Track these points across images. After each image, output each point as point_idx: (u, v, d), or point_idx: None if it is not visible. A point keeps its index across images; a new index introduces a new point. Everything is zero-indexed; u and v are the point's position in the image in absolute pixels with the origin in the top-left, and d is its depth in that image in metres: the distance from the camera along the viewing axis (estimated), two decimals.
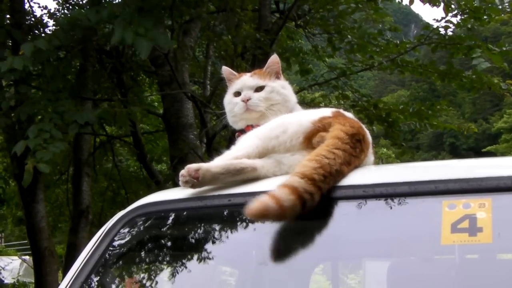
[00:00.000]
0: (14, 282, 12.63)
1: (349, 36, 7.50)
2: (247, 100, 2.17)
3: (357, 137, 1.79)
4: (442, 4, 6.86)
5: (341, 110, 2.00)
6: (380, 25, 7.11)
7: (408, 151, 8.60)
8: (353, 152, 1.74)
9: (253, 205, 1.55)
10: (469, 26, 6.92)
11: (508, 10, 7.57)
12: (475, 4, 6.66)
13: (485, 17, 6.88)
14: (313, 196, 1.58)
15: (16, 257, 15.54)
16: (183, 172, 1.78)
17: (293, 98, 2.24)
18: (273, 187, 1.75)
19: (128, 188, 10.15)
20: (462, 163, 1.80)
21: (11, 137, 6.77)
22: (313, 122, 1.87)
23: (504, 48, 6.50)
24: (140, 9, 4.96)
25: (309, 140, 1.85)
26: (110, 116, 5.73)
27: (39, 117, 5.37)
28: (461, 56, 7.09)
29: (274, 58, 2.26)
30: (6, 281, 11.84)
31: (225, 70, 2.33)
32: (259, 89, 2.20)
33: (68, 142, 7.34)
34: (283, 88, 2.22)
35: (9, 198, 11.22)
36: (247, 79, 2.24)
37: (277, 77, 2.25)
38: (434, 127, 7.97)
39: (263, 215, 1.56)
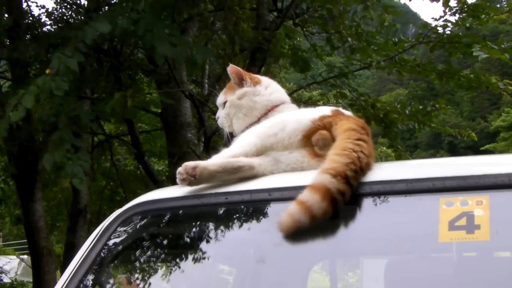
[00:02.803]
0: (12, 281, 12.61)
1: (349, 39, 7.47)
2: (217, 118, 2.30)
3: (367, 131, 1.79)
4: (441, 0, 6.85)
5: (340, 109, 2.00)
6: (377, 23, 7.09)
7: (405, 154, 8.52)
8: (371, 145, 1.73)
9: (285, 220, 1.53)
10: (468, 25, 6.90)
11: (506, 9, 7.56)
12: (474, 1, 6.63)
13: (483, 16, 6.87)
14: (345, 195, 1.55)
15: (14, 257, 15.49)
16: (180, 169, 1.78)
17: (264, 101, 2.21)
18: (270, 185, 1.75)
19: (126, 187, 10.13)
20: (460, 160, 1.79)
21: (11, 135, 6.75)
22: (312, 120, 1.86)
23: (503, 46, 6.49)
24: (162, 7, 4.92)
25: (308, 138, 1.85)
26: (120, 108, 5.66)
27: (50, 124, 5.28)
28: (459, 55, 7.08)
29: (230, 69, 2.26)
30: (4, 280, 11.81)
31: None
32: (224, 104, 2.27)
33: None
34: (240, 98, 2.21)
35: (7, 197, 11.20)
36: (219, 97, 2.33)
37: (241, 85, 2.24)
38: (433, 128, 7.96)
39: (296, 230, 1.53)
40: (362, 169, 1.61)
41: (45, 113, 5.48)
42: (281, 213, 1.54)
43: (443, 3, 6.83)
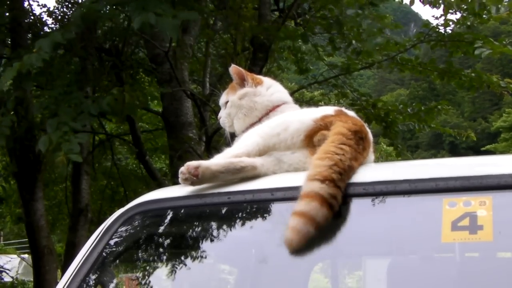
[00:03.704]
0: (13, 280, 12.62)
1: (353, 42, 7.45)
2: (219, 118, 2.32)
3: (359, 134, 1.78)
4: (442, 6, 6.84)
5: (343, 109, 1.99)
6: (379, 24, 7.07)
7: (405, 153, 8.56)
8: (358, 149, 1.73)
9: (292, 237, 1.50)
10: (469, 24, 6.89)
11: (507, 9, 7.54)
12: (476, 9, 6.59)
13: (484, 16, 6.85)
14: (337, 198, 1.56)
15: (15, 256, 15.51)
16: (182, 169, 1.78)
17: (264, 101, 2.21)
18: (273, 185, 1.75)
19: (127, 186, 10.13)
20: (463, 161, 1.79)
21: (11, 134, 6.75)
22: (314, 120, 1.86)
23: (504, 42, 6.48)
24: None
25: (310, 138, 1.84)
26: (119, 104, 5.63)
27: (52, 110, 5.25)
28: (460, 55, 7.07)
29: (232, 69, 2.27)
30: (5, 279, 11.82)
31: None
32: (226, 104, 2.28)
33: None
34: (241, 98, 2.22)
35: (8, 196, 11.22)
36: (221, 97, 2.33)
37: (243, 85, 2.25)
38: (433, 129, 7.98)
39: (305, 242, 1.52)
40: (346, 171, 1.62)
41: (46, 101, 5.47)
42: (285, 231, 1.52)
43: (443, 10, 6.82)
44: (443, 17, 6.94)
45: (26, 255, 14.80)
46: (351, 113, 1.97)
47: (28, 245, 9.30)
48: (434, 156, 39.02)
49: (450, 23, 6.98)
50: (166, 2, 4.76)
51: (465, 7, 6.74)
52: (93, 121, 5.77)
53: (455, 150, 44.83)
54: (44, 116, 5.66)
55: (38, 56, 4.68)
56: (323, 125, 1.83)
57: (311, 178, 1.59)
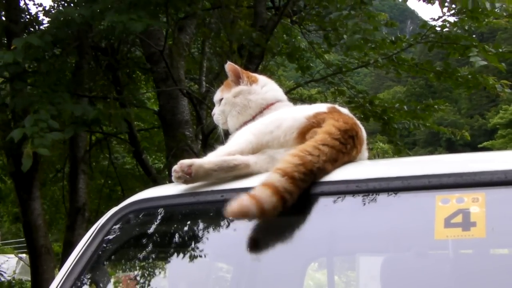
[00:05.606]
0: (11, 280, 12.60)
1: (344, 36, 7.44)
2: (213, 115, 2.31)
3: (350, 133, 1.79)
4: (437, 2, 6.83)
5: (337, 106, 1.99)
6: (367, 23, 7.06)
7: (404, 150, 8.57)
8: (343, 149, 1.74)
9: (234, 206, 1.56)
10: (466, 27, 6.89)
11: (505, 13, 7.51)
12: (469, 7, 6.57)
13: (484, 20, 6.85)
14: (293, 195, 1.59)
15: (12, 255, 15.47)
16: (176, 167, 1.78)
17: (258, 99, 2.21)
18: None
19: (124, 185, 10.12)
20: (456, 157, 1.79)
21: (7, 134, 6.75)
22: (307, 117, 1.86)
23: (501, 50, 6.48)
24: (134, 4, 4.93)
25: (303, 135, 1.84)
26: (105, 117, 5.67)
27: (35, 108, 5.23)
28: (457, 56, 7.06)
29: (227, 66, 2.27)
30: (2, 279, 11.80)
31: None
32: (220, 102, 2.28)
33: (63, 141, 7.28)
34: (235, 96, 2.22)
35: (5, 196, 11.20)
36: (216, 94, 2.34)
37: (238, 83, 2.25)
38: (428, 128, 7.98)
39: (243, 216, 1.58)
40: (312, 172, 1.64)
41: (27, 98, 5.47)
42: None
43: (439, 4, 6.80)
44: (441, 19, 6.93)
45: (23, 255, 14.77)
46: (345, 110, 1.97)
47: (25, 244, 9.29)
48: (431, 153, 39.04)
49: (447, 24, 6.96)
50: (144, 11, 4.83)
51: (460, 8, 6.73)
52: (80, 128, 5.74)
53: (452, 147, 44.80)
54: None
55: (11, 54, 4.70)
56: (315, 123, 1.83)
57: (275, 170, 1.63)
